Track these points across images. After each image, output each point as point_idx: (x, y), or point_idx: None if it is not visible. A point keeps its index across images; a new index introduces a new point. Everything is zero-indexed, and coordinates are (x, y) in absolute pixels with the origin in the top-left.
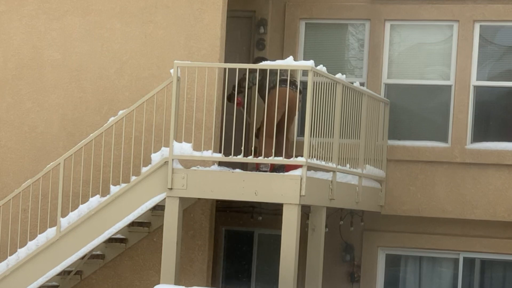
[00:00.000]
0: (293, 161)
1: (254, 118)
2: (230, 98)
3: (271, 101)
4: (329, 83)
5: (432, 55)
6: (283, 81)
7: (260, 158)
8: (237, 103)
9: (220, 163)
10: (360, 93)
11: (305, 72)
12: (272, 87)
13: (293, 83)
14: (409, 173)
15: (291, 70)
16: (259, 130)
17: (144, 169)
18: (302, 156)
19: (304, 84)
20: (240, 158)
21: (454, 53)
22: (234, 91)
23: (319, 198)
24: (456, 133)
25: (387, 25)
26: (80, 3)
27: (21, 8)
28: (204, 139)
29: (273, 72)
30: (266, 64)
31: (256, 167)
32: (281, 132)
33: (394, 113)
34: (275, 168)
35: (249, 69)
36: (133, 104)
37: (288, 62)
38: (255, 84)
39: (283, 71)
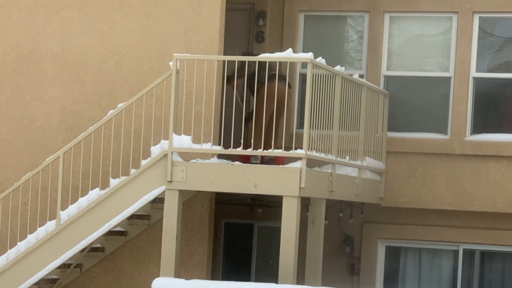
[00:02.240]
0: (292, 153)
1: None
2: (229, 79)
3: (262, 96)
4: (328, 75)
5: (431, 46)
6: (272, 76)
7: (259, 150)
8: (232, 86)
9: (220, 156)
10: (360, 85)
11: (304, 64)
12: (263, 83)
13: (282, 78)
14: (409, 165)
15: (281, 65)
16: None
17: (143, 162)
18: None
19: (303, 77)
20: (239, 151)
21: (454, 45)
22: (235, 74)
23: (319, 190)
24: (456, 125)
25: (386, 17)
26: None
27: (19, 1)
28: (203, 131)
29: (263, 67)
30: (265, 56)
31: (248, 160)
32: (271, 126)
33: (393, 105)
34: (265, 161)
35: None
36: (132, 97)
37: (287, 55)
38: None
39: (273, 66)
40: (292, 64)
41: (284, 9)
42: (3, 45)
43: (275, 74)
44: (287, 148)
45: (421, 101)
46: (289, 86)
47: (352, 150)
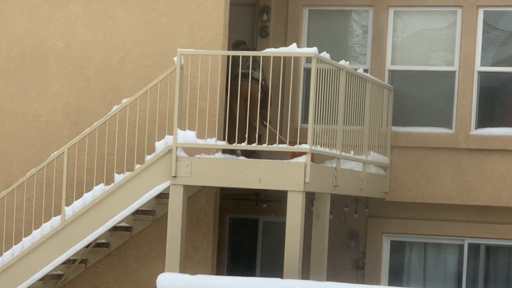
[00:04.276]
0: (296, 148)
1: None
2: None
3: (231, 93)
4: (332, 70)
5: (435, 41)
6: (242, 75)
7: (264, 145)
8: None
9: (224, 151)
10: (364, 79)
11: (308, 59)
12: (232, 80)
13: (247, 76)
14: (414, 159)
15: (252, 63)
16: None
17: (148, 157)
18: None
19: (307, 71)
20: (244, 146)
21: (458, 39)
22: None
23: (324, 185)
24: (460, 119)
25: (391, 11)
26: None
27: None
28: (207, 126)
29: (235, 65)
30: (269, 52)
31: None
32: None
33: (398, 99)
34: (249, 154)
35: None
36: (136, 93)
37: (291, 49)
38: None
39: (241, 64)
40: (296, 59)
41: (288, 4)
42: (7, 41)
43: (238, 73)
44: (292, 143)
45: (425, 95)
46: (258, 83)
47: (357, 144)
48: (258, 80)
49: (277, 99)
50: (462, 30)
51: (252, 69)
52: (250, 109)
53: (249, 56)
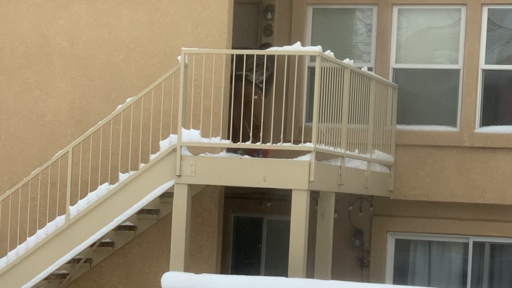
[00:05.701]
0: (301, 146)
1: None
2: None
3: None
4: (337, 69)
5: (440, 39)
6: (237, 77)
7: (268, 144)
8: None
9: (228, 150)
10: (368, 78)
11: (313, 58)
12: (234, 82)
13: (248, 80)
14: (418, 157)
15: (257, 65)
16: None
17: (152, 156)
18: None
19: (312, 70)
20: (248, 145)
21: (462, 37)
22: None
23: (328, 184)
24: (465, 117)
25: (395, 9)
26: None
27: None
28: (212, 125)
29: (240, 66)
30: (273, 50)
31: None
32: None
33: (402, 97)
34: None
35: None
36: (140, 92)
37: (295, 48)
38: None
39: (241, 67)
40: (300, 58)
41: (292, 3)
42: (11, 40)
43: (240, 74)
44: (296, 142)
45: (430, 94)
46: (259, 88)
47: (361, 143)
48: (256, 83)
49: (281, 97)
50: (466, 28)
51: (251, 71)
52: (246, 111)
53: (253, 56)
